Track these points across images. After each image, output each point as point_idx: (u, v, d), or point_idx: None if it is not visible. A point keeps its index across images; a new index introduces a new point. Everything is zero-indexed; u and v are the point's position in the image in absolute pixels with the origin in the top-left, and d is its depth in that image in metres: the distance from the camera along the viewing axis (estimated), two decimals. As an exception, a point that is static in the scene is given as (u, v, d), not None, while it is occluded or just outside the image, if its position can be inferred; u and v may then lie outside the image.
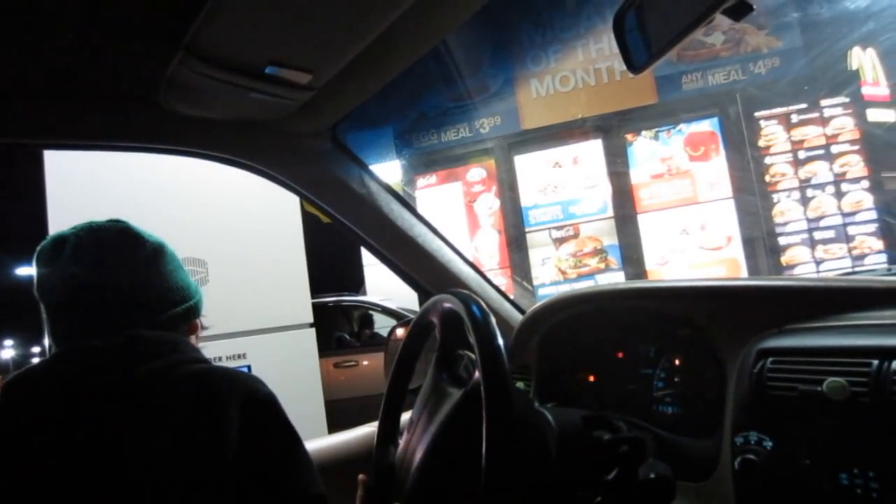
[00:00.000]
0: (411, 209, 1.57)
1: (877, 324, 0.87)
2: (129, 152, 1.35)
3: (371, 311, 6.76)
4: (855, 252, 6.05)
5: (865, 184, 6.05)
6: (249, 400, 0.92)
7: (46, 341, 1.01)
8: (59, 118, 1.22)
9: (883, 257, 5.95)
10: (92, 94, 1.21)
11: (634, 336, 1.33)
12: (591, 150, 6.70)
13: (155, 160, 2.80)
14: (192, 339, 1.07)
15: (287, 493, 0.91)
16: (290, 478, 0.92)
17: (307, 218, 3.51)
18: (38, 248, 0.98)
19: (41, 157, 2.73)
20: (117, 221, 1.02)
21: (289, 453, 0.94)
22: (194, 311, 1.06)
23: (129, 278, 0.96)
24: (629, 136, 6.60)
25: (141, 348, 0.92)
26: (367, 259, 8.33)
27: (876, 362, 0.79)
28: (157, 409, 0.87)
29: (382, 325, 6.46)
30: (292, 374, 3.15)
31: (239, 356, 3.04)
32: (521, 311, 1.62)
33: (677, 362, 1.24)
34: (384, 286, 6.90)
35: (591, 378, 1.42)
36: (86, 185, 2.67)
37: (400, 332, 1.62)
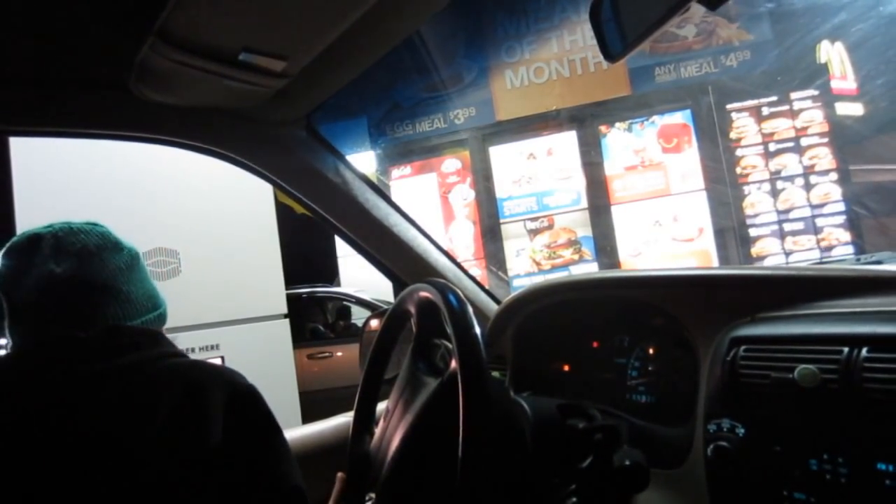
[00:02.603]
0: (387, 198, 1.56)
1: (848, 312, 0.88)
2: (98, 140, 1.32)
3: (345, 303, 6.74)
4: (823, 243, 6.17)
5: (833, 176, 6.17)
6: (232, 393, 0.92)
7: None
8: (26, 104, 1.19)
9: (850, 248, 6.07)
10: (60, 80, 1.18)
11: (609, 326, 1.34)
12: (566, 142, 6.73)
13: (126, 148, 2.75)
14: None
15: (268, 484, 0.91)
16: (272, 469, 0.92)
17: (281, 209, 3.48)
18: (10, 244, 0.97)
19: (7, 144, 2.67)
20: (95, 224, 1.02)
21: (271, 445, 0.94)
22: (162, 319, 1.06)
23: (109, 281, 0.96)
24: (603, 128, 6.64)
25: (122, 340, 0.92)
26: (342, 250, 8.29)
27: (846, 350, 0.80)
28: (141, 400, 0.87)
29: (357, 316, 6.45)
30: (266, 365, 3.13)
31: (212, 347, 3.01)
32: (497, 302, 1.62)
33: (651, 351, 1.25)
34: (359, 278, 6.89)
35: (566, 368, 1.43)
36: (54, 174, 2.61)
37: (374, 323, 1.61)
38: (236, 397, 0.92)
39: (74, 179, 2.62)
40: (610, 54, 0.92)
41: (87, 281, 0.94)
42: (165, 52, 1.02)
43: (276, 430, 0.96)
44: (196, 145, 1.35)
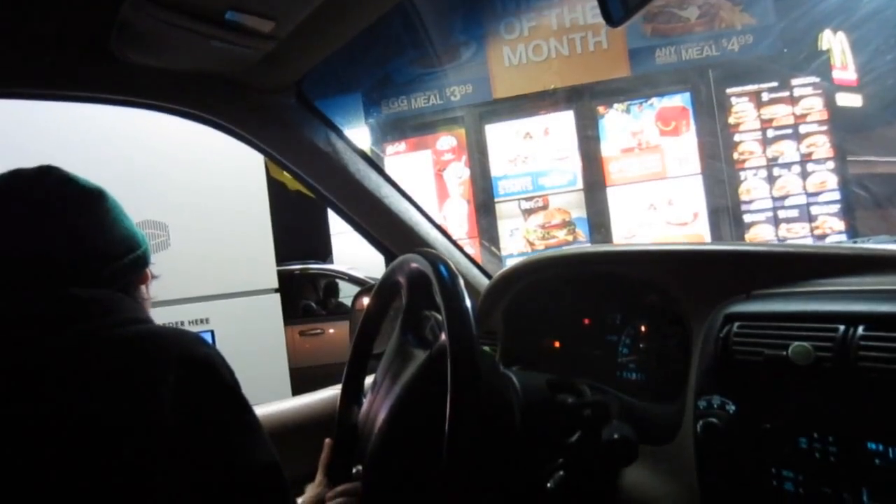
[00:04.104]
0: (379, 170, 1.54)
1: (844, 290, 0.87)
2: (79, 103, 1.28)
3: (338, 280, 6.73)
4: (817, 232, 6.17)
5: (830, 165, 6.15)
6: (185, 361, 0.82)
7: None
8: (0, 65, 1.14)
9: (843, 238, 6.08)
10: (35, 39, 1.12)
11: (601, 303, 1.33)
12: (563, 122, 6.68)
13: (112, 116, 2.70)
14: (143, 289, 0.99)
15: (229, 462, 0.82)
16: (233, 446, 0.83)
17: (274, 185, 3.45)
18: None
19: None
20: (49, 168, 0.92)
21: (231, 419, 0.84)
22: (142, 261, 0.97)
23: (64, 234, 0.88)
24: (601, 109, 6.59)
25: (69, 309, 0.83)
26: (335, 227, 8.27)
27: (842, 328, 0.79)
28: (84, 378, 0.78)
29: (349, 293, 6.44)
30: (257, 339, 3.12)
31: (202, 321, 2.99)
32: (488, 277, 1.60)
33: (643, 329, 1.24)
34: (352, 255, 6.87)
35: (557, 344, 1.42)
36: (33, 142, 2.55)
37: (364, 299, 1.60)
38: (190, 367, 0.82)
39: (56, 148, 2.56)
40: (612, 19, 0.90)
41: (34, 239, 0.86)
42: (147, 9, 0.97)
43: (239, 403, 0.86)
44: (182, 110, 1.31)
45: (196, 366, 0.82)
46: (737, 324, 0.91)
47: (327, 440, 1.18)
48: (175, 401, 0.79)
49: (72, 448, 0.75)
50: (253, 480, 0.83)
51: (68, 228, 0.88)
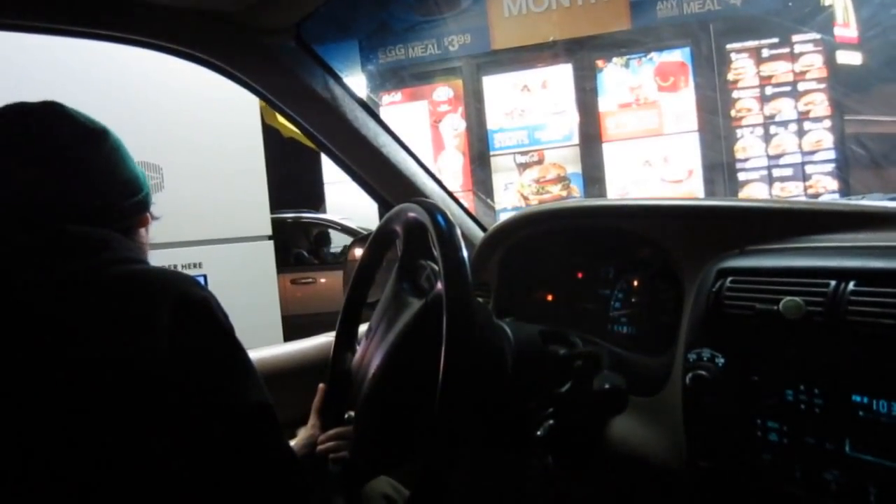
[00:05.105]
0: (376, 117, 1.52)
1: (837, 246, 0.88)
2: (71, 37, 1.25)
3: (330, 229, 6.72)
4: (810, 191, 6.18)
5: (827, 123, 6.12)
6: (181, 302, 0.81)
7: None
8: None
9: (836, 197, 6.09)
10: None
11: (594, 256, 1.34)
12: (561, 75, 6.60)
13: (105, 53, 2.64)
14: (143, 232, 0.98)
15: (224, 402, 0.83)
16: (228, 386, 0.84)
17: (268, 132, 3.41)
18: None
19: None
20: (53, 104, 0.90)
21: (225, 360, 0.85)
22: (143, 204, 0.97)
23: (65, 171, 0.86)
24: (599, 63, 6.50)
25: (64, 246, 0.82)
26: (329, 177, 8.21)
27: (833, 283, 0.80)
28: (79, 314, 0.78)
29: (342, 243, 6.44)
30: (249, 285, 3.13)
31: (195, 265, 2.99)
32: (483, 229, 1.61)
33: (636, 283, 1.25)
34: (345, 204, 6.84)
35: (550, 297, 1.43)
36: (25, 78, 2.50)
37: (358, 249, 1.60)
38: (185, 306, 0.81)
39: (48, 84, 2.51)
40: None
41: (39, 176, 0.85)
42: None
43: (233, 344, 0.86)
44: (180, 50, 1.29)
45: (191, 307, 0.82)
46: (729, 278, 0.92)
47: (321, 385, 1.20)
48: (170, 341, 0.79)
49: (64, 385, 0.75)
50: (246, 419, 0.84)
51: (69, 166, 0.87)
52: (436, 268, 0.92)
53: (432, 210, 0.94)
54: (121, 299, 0.80)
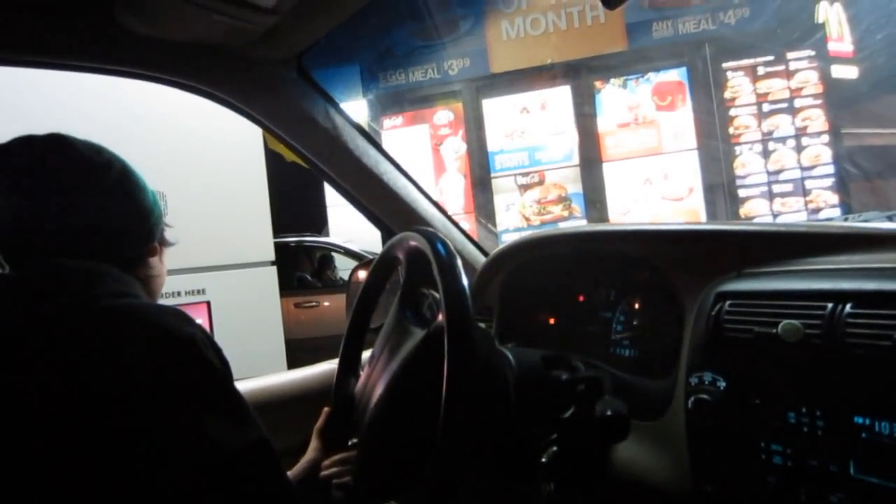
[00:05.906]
0: (377, 145, 1.54)
1: (833, 268, 0.88)
2: (80, 72, 1.27)
3: (333, 253, 6.73)
4: (811, 206, 6.19)
5: (825, 138, 6.15)
6: (164, 340, 0.78)
7: None
8: (1, 32, 1.14)
9: (838, 211, 6.10)
10: (40, 6, 1.12)
11: (595, 279, 1.35)
12: (560, 97, 6.65)
13: (112, 86, 2.68)
14: (153, 261, 0.98)
15: (212, 445, 0.78)
16: (216, 428, 0.79)
17: (271, 156, 3.44)
18: None
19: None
20: (59, 137, 0.90)
21: (215, 398, 0.81)
22: (150, 234, 0.97)
23: (68, 206, 0.86)
24: (598, 83, 6.55)
25: (57, 280, 0.81)
26: (331, 200, 8.24)
27: (830, 305, 0.81)
28: (63, 349, 0.76)
29: (345, 266, 6.45)
30: (253, 311, 3.14)
31: (198, 291, 3.00)
32: (485, 253, 1.62)
33: (636, 306, 1.26)
34: (348, 228, 6.86)
35: (552, 320, 1.43)
36: (31, 109, 2.53)
37: (361, 273, 1.61)
38: (169, 345, 0.79)
39: (55, 116, 2.55)
40: (609, 1, 0.90)
41: (50, 212, 0.84)
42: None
43: (222, 383, 0.83)
44: (183, 82, 1.31)
45: (175, 343, 0.79)
46: (728, 302, 0.93)
47: (326, 409, 1.20)
48: (153, 377, 0.76)
49: (47, 420, 0.73)
50: (238, 459, 0.80)
51: (68, 199, 0.87)
52: (437, 297, 0.93)
53: (433, 239, 0.95)
54: (103, 334, 0.78)
